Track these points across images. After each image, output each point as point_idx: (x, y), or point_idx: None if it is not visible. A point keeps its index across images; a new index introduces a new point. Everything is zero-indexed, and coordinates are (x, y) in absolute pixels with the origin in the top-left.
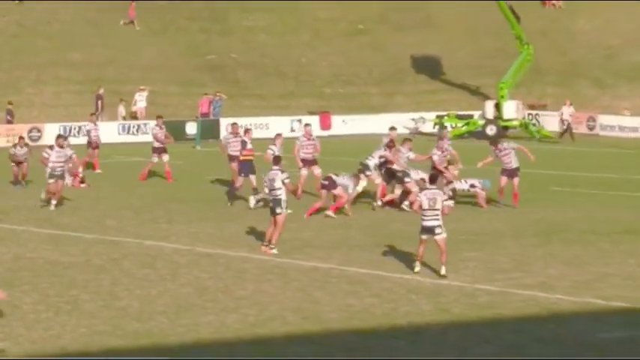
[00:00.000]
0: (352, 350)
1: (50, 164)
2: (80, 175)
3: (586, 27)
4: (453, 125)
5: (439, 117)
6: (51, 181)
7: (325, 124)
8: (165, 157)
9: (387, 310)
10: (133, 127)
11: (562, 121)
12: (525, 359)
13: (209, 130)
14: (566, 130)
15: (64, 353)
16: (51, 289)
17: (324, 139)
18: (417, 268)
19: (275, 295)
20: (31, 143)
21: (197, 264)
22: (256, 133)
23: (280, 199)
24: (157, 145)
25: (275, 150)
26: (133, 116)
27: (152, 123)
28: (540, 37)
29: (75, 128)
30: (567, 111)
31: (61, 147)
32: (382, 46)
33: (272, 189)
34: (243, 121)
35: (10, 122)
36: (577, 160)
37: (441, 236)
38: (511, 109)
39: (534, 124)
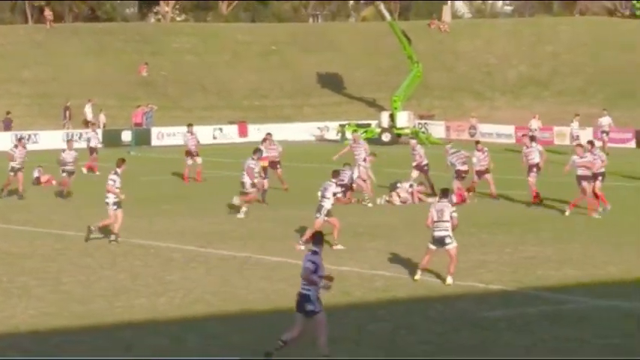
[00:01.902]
0: (265, 326)
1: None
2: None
3: (468, 47)
4: (354, 132)
5: (341, 126)
6: (64, 175)
7: (242, 132)
8: (199, 160)
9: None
10: (76, 134)
11: (529, 132)
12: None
13: (142, 137)
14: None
15: (17, 332)
16: (3, 275)
17: (241, 145)
18: (417, 276)
19: (199, 280)
20: None
21: (131, 253)
22: (181, 140)
23: (322, 206)
24: (189, 149)
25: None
26: (85, 125)
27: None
28: (429, 56)
29: (25, 136)
30: (535, 124)
31: (72, 149)
32: (292, 64)
33: (323, 196)
34: (170, 130)
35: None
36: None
37: (451, 246)
38: (403, 119)
39: (424, 132)
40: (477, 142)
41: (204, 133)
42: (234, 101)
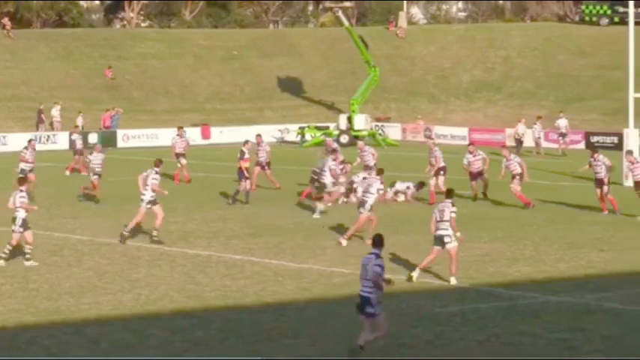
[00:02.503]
0: (226, 322)
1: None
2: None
3: (423, 52)
4: (313, 135)
5: (301, 128)
6: (94, 177)
7: (205, 134)
8: (183, 162)
9: (257, 289)
10: (44, 137)
11: (516, 136)
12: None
13: (108, 139)
14: (520, 145)
15: None
16: None
17: (204, 146)
18: (415, 274)
19: (164, 277)
20: None
21: (98, 252)
22: (147, 142)
23: (366, 202)
24: (177, 151)
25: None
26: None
27: (62, 134)
28: (385, 61)
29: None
30: (522, 128)
31: (100, 152)
32: (253, 69)
33: (365, 191)
34: (135, 133)
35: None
36: (414, 163)
37: (450, 245)
38: (361, 122)
39: (380, 134)
40: (470, 144)
41: (168, 136)
42: (197, 104)
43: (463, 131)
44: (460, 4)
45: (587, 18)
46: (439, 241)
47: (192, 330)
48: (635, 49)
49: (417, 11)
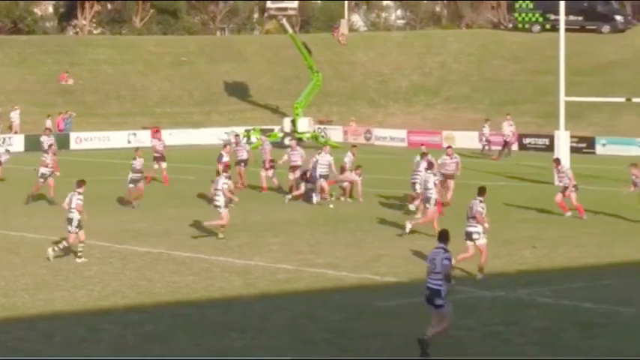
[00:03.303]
0: (175, 317)
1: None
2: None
3: (364, 58)
4: (258, 137)
5: (247, 131)
6: (131, 185)
7: (155, 137)
8: (164, 165)
9: (204, 285)
10: (1, 139)
11: (504, 137)
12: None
13: (62, 142)
14: (505, 146)
15: None
16: None
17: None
18: (479, 275)
19: (115, 274)
20: None
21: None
22: (99, 145)
23: (430, 197)
24: (156, 154)
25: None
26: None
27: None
28: (328, 66)
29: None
30: (508, 128)
31: (140, 157)
32: (200, 74)
33: (426, 188)
34: (88, 135)
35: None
36: (358, 164)
37: (479, 242)
38: (304, 124)
39: (323, 136)
40: (448, 147)
41: (119, 138)
42: (147, 108)
43: (402, 133)
44: (399, 12)
45: (519, 25)
46: (468, 236)
47: (142, 324)
48: (565, 54)
49: (357, 19)
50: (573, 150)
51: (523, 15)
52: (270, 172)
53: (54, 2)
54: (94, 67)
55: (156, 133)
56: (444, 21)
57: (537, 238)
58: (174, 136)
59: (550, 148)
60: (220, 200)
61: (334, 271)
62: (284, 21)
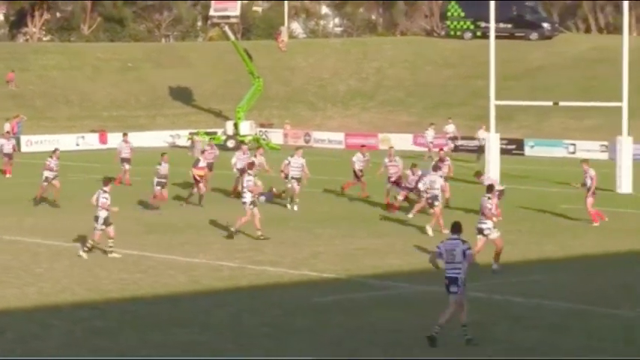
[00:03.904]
0: (123, 313)
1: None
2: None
3: (303, 64)
4: (202, 140)
5: (191, 134)
6: (158, 188)
7: (103, 140)
8: (127, 166)
9: (151, 282)
10: None
11: (479, 141)
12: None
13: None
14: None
15: None
16: None
17: (102, 151)
18: (495, 266)
19: (65, 272)
20: None
21: (2, 249)
22: (49, 147)
23: (437, 195)
24: (123, 156)
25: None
26: None
27: None
28: (268, 71)
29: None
30: (483, 134)
31: (166, 162)
32: (146, 79)
33: (431, 188)
34: (38, 138)
35: None
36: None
37: (492, 236)
38: (246, 128)
39: (264, 139)
40: (390, 147)
41: (68, 141)
42: (95, 112)
43: (340, 136)
44: (336, 20)
45: (452, 32)
46: (480, 232)
47: (91, 320)
48: (495, 60)
49: (297, 26)
50: (503, 151)
51: (455, 23)
52: (128, 166)
53: (4, 11)
54: (44, 72)
55: (124, 136)
56: (380, 29)
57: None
58: (120, 139)
59: (481, 149)
60: (247, 197)
61: (274, 268)
62: (226, 28)
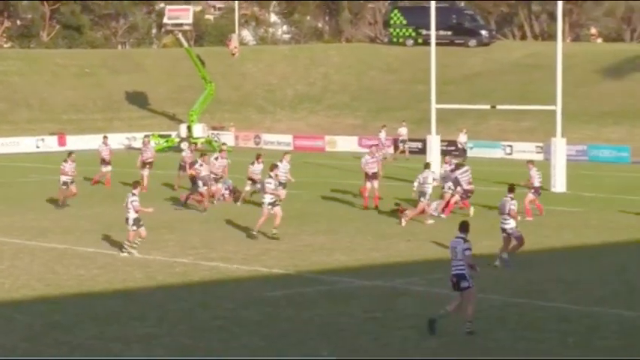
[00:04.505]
0: (82, 308)
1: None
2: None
3: (253, 69)
4: (157, 142)
5: (147, 136)
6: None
7: (62, 142)
8: (108, 168)
9: (108, 278)
10: None
11: (458, 145)
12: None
13: None
14: (464, 152)
15: None
16: None
17: (61, 153)
18: (496, 262)
19: (25, 268)
20: None
21: None
22: (9, 149)
23: (426, 192)
24: (102, 157)
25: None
26: None
27: None
28: (220, 77)
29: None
30: (463, 138)
31: (207, 162)
32: (103, 84)
33: (423, 183)
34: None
35: None
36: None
37: (515, 235)
38: (199, 130)
39: (216, 141)
40: (372, 146)
41: (29, 144)
42: (54, 115)
43: (288, 138)
44: (285, 28)
45: (394, 39)
46: (504, 231)
47: (51, 314)
48: (436, 66)
49: (247, 34)
50: (444, 153)
51: (397, 30)
52: (147, 172)
53: None
54: (5, 77)
55: (104, 139)
56: (326, 36)
57: (411, 233)
58: (79, 142)
59: (423, 151)
60: (267, 198)
61: (226, 264)
62: (180, 36)
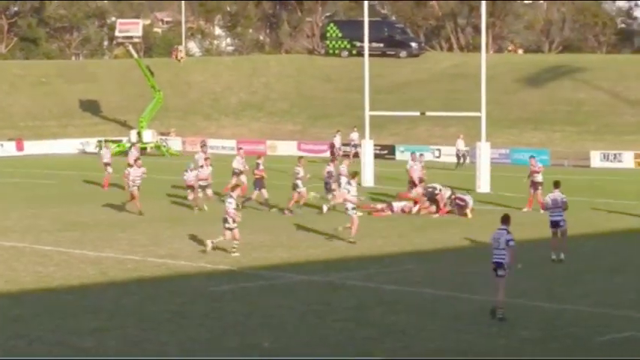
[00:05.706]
0: (40, 303)
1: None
2: None
3: (199, 78)
4: (109, 147)
5: (99, 141)
6: (134, 188)
7: (19, 147)
8: (110, 170)
9: (64, 274)
10: None
11: (457, 152)
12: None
13: None
14: (461, 159)
15: None
16: None
17: (19, 157)
18: (554, 256)
19: None
20: None
21: None
22: None
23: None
24: (105, 161)
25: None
26: None
27: None
28: (168, 85)
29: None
30: (461, 144)
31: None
32: (59, 93)
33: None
34: None
35: None
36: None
37: (562, 228)
38: (148, 136)
39: (164, 146)
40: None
41: None
42: (13, 122)
43: (232, 143)
44: (228, 40)
45: (330, 51)
46: (556, 224)
47: (10, 308)
48: (369, 75)
49: (193, 45)
50: (377, 156)
51: (333, 42)
52: (110, 170)
53: None
54: None
55: (105, 143)
56: (267, 47)
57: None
58: (35, 146)
59: (357, 154)
60: (349, 205)
61: (174, 260)
62: (130, 47)
